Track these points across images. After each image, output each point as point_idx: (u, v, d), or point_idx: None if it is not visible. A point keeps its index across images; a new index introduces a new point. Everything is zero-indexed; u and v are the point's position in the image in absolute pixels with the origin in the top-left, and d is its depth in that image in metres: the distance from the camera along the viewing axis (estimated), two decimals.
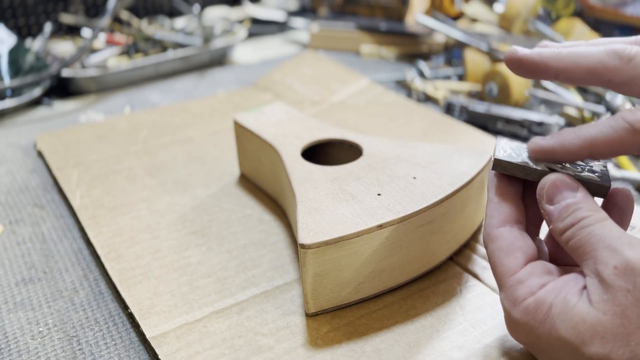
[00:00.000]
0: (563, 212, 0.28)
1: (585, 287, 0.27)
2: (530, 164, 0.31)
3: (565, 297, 0.27)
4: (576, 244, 0.27)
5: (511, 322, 0.29)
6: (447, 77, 0.72)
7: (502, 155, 0.32)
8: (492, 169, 0.32)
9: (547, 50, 0.31)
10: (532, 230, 0.33)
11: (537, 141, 0.31)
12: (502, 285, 0.29)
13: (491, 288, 0.37)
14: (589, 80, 0.30)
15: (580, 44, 0.31)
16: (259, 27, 0.96)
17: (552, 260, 0.33)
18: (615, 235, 0.27)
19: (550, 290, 0.27)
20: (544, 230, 0.35)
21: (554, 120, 0.56)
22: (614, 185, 0.34)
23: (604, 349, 0.25)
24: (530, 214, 0.33)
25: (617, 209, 0.31)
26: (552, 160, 0.31)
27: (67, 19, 0.85)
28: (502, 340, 0.33)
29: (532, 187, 0.32)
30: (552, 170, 0.30)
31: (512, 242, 0.30)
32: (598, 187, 0.30)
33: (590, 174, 0.30)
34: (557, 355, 0.27)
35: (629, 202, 0.32)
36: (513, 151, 0.32)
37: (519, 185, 0.32)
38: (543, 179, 0.30)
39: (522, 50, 0.31)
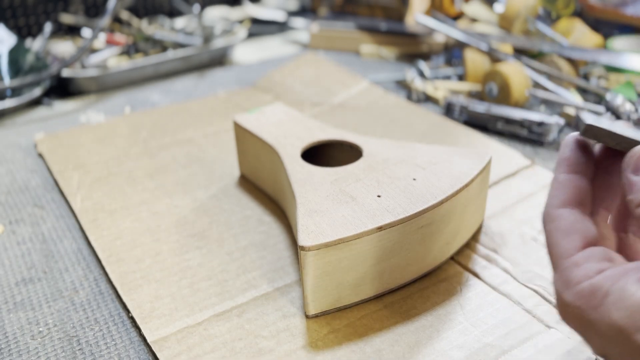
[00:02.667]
0: None
1: None
2: (622, 133, 0.29)
3: (623, 286, 0.25)
4: None
5: (562, 304, 0.28)
6: (447, 77, 0.72)
7: (592, 122, 0.30)
8: (581, 134, 0.30)
9: None
10: (603, 214, 0.31)
11: None
12: (556, 266, 0.28)
13: (491, 287, 0.37)
14: None
15: None
16: (259, 27, 0.96)
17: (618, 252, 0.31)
18: None
19: (608, 277, 0.26)
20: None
21: (554, 120, 0.56)
22: None
23: None
24: (604, 199, 0.31)
25: None
26: None
27: (67, 19, 0.85)
28: (503, 339, 0.33)
29: (606, 170, 0.31)
30: None
31: (571, 224, 0.28)
32: None
33: None
34: (607, 342, 0.26)
35: None
36: (599, 123, 0.30)
37: (591, 167, 0.31)
38: (634, 148, 0.28)
39: None
